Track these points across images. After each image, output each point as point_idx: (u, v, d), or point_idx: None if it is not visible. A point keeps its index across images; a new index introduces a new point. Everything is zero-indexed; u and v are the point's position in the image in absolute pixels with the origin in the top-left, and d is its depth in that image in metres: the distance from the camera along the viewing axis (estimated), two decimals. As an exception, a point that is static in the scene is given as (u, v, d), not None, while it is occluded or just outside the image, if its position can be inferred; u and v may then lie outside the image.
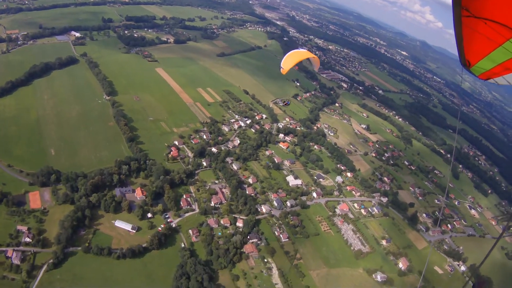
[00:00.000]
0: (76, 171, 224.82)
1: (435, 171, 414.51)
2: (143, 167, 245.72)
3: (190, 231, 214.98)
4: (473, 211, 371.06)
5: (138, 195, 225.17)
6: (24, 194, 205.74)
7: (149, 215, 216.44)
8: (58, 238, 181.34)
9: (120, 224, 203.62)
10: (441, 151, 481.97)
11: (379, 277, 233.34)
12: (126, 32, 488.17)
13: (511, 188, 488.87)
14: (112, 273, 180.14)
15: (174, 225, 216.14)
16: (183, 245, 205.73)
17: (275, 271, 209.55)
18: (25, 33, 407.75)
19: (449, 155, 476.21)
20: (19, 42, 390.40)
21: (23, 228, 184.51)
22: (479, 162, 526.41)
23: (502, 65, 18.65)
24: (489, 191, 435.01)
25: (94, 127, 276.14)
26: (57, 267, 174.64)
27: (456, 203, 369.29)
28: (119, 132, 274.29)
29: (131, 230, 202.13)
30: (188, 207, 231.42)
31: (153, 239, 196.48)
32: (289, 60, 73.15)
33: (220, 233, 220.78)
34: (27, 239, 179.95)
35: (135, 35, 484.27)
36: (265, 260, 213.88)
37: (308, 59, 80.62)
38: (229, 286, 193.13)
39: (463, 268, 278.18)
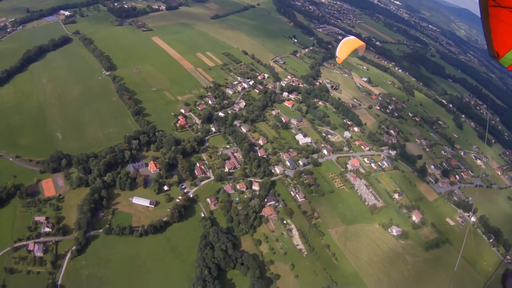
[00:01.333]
0: (86, 152, 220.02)
1: (439, 121, 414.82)
2: (152, 139, 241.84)
3: (208, 200, 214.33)
4: (479, 161, 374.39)
5: (152, 168, 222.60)
6: (36, 183, 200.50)
7: (166, 187, 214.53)
8: (78, 224, 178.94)
9: (138, 200, 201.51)
10: (443, 101, 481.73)
11: (394, 231, 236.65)
12: (116, 4, 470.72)
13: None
14: (137, 251, 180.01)
15: (191, 195, 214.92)
16: (203, 215, 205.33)
17: (295, 232, 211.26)
18: (13, 19, 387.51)
19: (451, 105, 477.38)
20: (8, 30, 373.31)
21: (41, 219, 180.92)
22: (481, 111, 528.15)
23: None
24: (493, 141, 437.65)
25: (98, 105, 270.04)
26: (81, 253, 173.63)
27: (462, 153, 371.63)
28: (124, 107, 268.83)
29: (149, 205, 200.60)
30: (203, 175, 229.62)
31: (173, 212, 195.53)
32: (344, 49, 72.64)
33: (237, 199, 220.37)
34: (47, 229, 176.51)
35: (126, 6, 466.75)
36: (284, 221, 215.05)
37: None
38: (252, 251, 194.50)
39: (473, 219, 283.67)
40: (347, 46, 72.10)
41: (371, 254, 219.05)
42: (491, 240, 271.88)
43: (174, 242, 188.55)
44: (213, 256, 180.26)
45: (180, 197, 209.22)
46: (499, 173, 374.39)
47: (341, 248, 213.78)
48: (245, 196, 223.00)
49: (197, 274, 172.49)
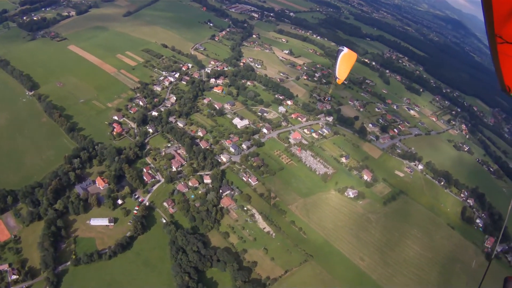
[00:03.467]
0: (30, 183, 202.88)
1: (366, 81, 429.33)
2: (93, 154, 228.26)
3: (165, 204, 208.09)
4: (412, 112, 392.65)
5: (101, 184, 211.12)
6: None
7: (120, 201, 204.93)
8: (44, 262, 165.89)
9: (96, 222, 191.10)
10: (366, 60, 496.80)
11: (350, 193, 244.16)
12: (25, 18, 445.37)
13: (439, 83, 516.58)
14: (112, 275, 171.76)
15: (147, 203, 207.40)
16: (164, 221, 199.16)
17: (258, 216, 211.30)
18: None
19: (374, 63, 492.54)
20: None
21: (4, 267, 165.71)
22: (404, 64, 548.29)
23: None
24: (421, 90, 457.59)
25: (29, 129, 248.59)
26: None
27: (395, 107, 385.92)
28: (56, 126, 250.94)
29: (109, 224, 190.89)
30: (153, 179, 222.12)
31: (134, 225, 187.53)
32: (343, 68, 69.70)
33: (193, 196, 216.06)
34: (14, 277, 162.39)
35: (35, 18, 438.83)
36: (245, 208, 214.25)
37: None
38: (223, 245, 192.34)
39: (420, 167, 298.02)
40: (346, 64, 69.71)
41: (335, 220, 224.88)
42: (442, 183, 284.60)
43: (144, 255, 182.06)
44: (188, 260, 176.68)
45: (136, 208, 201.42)
46: (434, 119, 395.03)
47: (306, 221, 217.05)
48: (200, 192, 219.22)
49: (178, 282, 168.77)
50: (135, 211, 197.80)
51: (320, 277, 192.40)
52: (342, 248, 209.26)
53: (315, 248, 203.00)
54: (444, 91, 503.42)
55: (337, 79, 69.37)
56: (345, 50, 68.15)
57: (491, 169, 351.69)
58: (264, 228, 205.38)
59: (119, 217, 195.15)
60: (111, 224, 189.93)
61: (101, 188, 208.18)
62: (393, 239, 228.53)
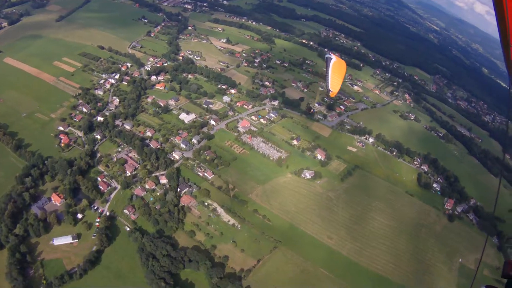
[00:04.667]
0: None
1: (306, 61, 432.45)
2: (44, 170, 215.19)
3: (126, 211, 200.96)
4: (355, 87, 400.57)
5: (57, 201, 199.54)
6: None
7: (79, 215, 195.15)
8: None
9: (59, 241, 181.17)
10: (303, 41, 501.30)
11: (307, 174, 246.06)
12: None
13: (378, 57, 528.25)
14: None
15: (108, 213, 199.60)
16: (128, 229, 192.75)
17: (220, 210, 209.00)
18: None
19: (311, 43, 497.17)
20: None
21: None
22: (341, 41, 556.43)
23: None
24: (361, 65, 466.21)
25: None
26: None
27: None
28: (1, 145, 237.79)
29: (73, 241, 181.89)
30: (109, 187, 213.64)
31: (99, 238, 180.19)
32: (336, 79, 65.59)
33: (152, 199, 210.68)
34: None
35: None
36: (206, 203, 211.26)
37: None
38: (191, 244, 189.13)
39: (371, 139, 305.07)
40: (338, 74, 65.66)
41: (297, 203, 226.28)
42: (394, 154, 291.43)
43: (115, 268, 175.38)
44: (160, 265, 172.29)
45: (98, 220, 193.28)
46: (377, 92, 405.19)
47: (268, 208, 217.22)
48: (158, 193, 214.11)
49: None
50: (97, 223, 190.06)
51: (292, 261, 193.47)
52: (308, 229, 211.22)
53: (282, 233, 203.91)
54: (383, 63, 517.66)
55: (330, 92, 65.67)
56: (334, 58, 65.35)
57: (439, 134, 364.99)
58: (228, 221, 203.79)
59: (81, 232, 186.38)
60: (75, 240, 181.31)
61: (58, 205, 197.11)
62: (356, 214, 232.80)
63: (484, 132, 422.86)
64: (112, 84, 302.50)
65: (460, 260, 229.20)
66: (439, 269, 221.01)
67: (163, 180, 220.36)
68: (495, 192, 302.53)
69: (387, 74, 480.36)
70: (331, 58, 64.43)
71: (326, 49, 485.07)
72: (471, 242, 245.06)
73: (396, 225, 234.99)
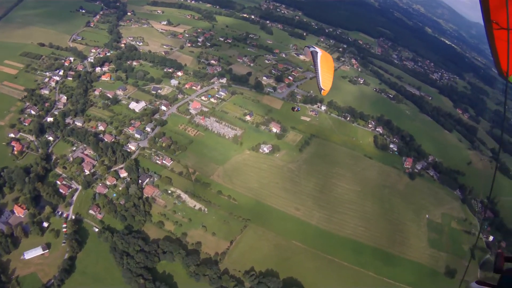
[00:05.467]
0: None
1: (250, 35, 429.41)
2: (1, 182, 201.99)
3: (91, 211, 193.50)
4: (301, 57, 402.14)
5: (20, 212, 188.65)
6: None
7: (45, 224, 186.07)
8: None
9: (30, 254, 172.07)
10: (245, 15, 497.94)
11: (265, 148, 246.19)
12: None
13: (321, 24, 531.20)
14: None
15: (73, 217, 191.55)
16: (96, 229, 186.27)
17: (184, 196, 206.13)
18: None
19: (253, 16, 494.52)
20: None
21: None
22: (283, 12, 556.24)
23: None
24: (305, 34, 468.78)
25: None
26: None
27: (284, 55, 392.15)
28: None
29: (44, 252, 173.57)
30: (70, 189, 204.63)
31: (70, 244, 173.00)
32: (327, 77, 58.26)
33: (114, 195, 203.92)
34: None
35: None
36: (169, 191, 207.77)
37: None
38: (162, 235, 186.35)
39: (323, 107, 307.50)
40: (327, 69, 58.96)
41: (259, 179, 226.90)
42: (348, 119, 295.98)
43: (91, 272, 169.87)
44: (136, 262, 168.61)
45: (64, 225, 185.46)
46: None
47: (231, 188, 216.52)
48: (120, 188, 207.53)
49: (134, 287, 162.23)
50: (65, 229, 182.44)
51: (264, 237, 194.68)
52: (275, 203, 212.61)
53: (250, 211, 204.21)
54: (326, 31, 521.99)
55: (322, 91, 57.71)
56: (319, 51, 58.76)
57: (389, 95, 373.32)
58: (194, 206, 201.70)
59: (50, 241, 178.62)
60: (46, 251, 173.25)
61: (22, 216, 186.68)
62: (319, 182, 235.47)
63: (433, 89, 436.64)
64: (57, 82, 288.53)
65: (427, 216, 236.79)
66: (408, 226, 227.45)
67: (123, 174, 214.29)
68: (451, 146, 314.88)
69: (331, 41, 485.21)
70: (317, 52, 58.56)
71: (268, 21, 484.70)
72: (434, 197, 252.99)
73: (360, 189, 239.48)
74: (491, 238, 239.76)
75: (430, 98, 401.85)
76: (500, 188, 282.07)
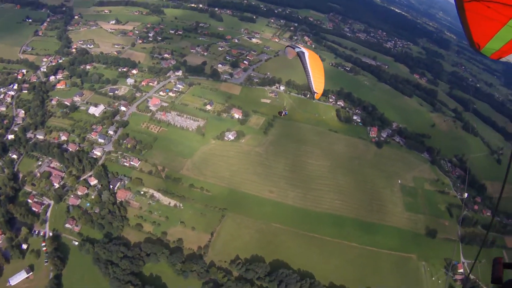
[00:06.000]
0: None
1: (200, 24, 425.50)
2: None
3: (68, 225, 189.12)
4: (254, 40, 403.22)
5: None
6: None
7: (24, 246, 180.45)
8: None
9: (15, 280, 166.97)
10: (192, 5, 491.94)
11: (230, 136, 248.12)
12: None
13: (270, 6, 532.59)
14: None
15: (50, 234, 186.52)
16: (76, 243, 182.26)
17: (158, 195, 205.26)
18: None
19: (200, 5, 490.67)
20: None
21: None
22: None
23: (510, 43, 18.60)
24: (255, 17, 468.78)
25: None
26: None
27: (236, 41, 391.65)
28: None
29: (28, 275, 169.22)
30: (42, 206, 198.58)
31: (53, 262, 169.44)
32: (319, 78, 54.51)
33: (88, 204, 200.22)
34: None
35: None
36: (142, 192, 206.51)
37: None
38: (142, 238, 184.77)
39: (282, 87, 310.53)
40: (318, 70, 54.72)
41: (229, 166, 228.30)
42: (307, 96, 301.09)
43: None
44: (122, 269, 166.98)
45: (43, 244, 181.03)
46: (276, 40, 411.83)
47: (203, 179, 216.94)
48: (93, 197, 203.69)
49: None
50: (44, 248, 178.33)
51: (244, 224, 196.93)
52: (248, 189, 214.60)
53: (225, 200, 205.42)
54: (276, 11, 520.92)
55: (315, 94, 55.00)
56: (306, 51, 54.88)
57: (346, 68, 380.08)
58: (169, 203, 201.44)
59: (33, 262, 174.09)
60: (30, 274, 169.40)
61: (0, 242, 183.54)
62: (289, 162, 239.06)
63: (389, 58, 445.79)
64: (12, 97, 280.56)
65: (399, 181, 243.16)
66: (383, 194, 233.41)
67: (93, 182, 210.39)
68: (413, 111, 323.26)
69: (281, 21, 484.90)
70: (304, 52, 54.71)
71: (216, 8, 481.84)
72: (403, 162, 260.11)
73: (330, 163, 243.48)
74: (465, 195, 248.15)
75: (387, 66, 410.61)
76: (467, 146, 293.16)
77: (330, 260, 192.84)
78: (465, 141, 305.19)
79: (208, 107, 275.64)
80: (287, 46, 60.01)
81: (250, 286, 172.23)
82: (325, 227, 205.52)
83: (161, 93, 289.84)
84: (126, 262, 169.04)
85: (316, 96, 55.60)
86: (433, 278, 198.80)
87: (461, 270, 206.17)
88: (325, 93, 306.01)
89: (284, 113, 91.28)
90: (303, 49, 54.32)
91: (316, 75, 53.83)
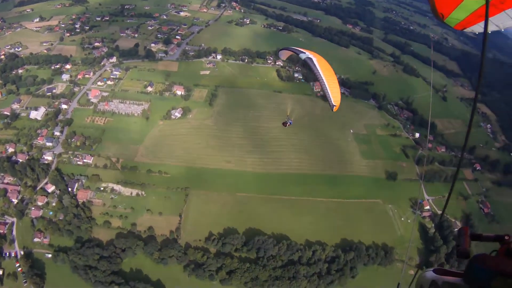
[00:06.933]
0: None
1: (125, 6, 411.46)
2: None
3: (36, 239, 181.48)
4: (182, 13, 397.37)
5: None
6: None
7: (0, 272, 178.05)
8: None
9: None
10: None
11: (176, 113, 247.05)
12: None
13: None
14: None
15: (21, 253, 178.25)
16: (49, 255, 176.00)
17: (117, 187, 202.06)
18: None
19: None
20: None
21: None
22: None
23: (475, 13, 18.53)
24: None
25: None
26: None
27: (165, 17, 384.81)
28: None
29: None
30: (6, 225, 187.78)
31: (31, 281, 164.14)
32: (335, 87, 47.99)
33: (51, 212, 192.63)
34: None
35: None
36: (101, 188, 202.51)
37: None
38: (113, 234, 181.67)
39: (219, 56, 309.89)
40: (332, 79, 48.34)
41: (181, 144, 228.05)
42: (246, 61, 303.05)
43: None
44: (102, 271, 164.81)
45: (17, 265, 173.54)
46: (205, 10, 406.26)
47: (159, 162, 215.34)
48: (54, 204, 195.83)
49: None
50: (20, 269, 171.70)
51: (209, 199, 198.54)
52: (205, 163, 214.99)
53: (185, 179, 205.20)
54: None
55: (333, 107, 48.02)
56: (312, 56, 48.02)
57: (279, 28, 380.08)
58: (131, 194, 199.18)
59: (11, 287, 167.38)
60: None
61: None
62: (239, 130, 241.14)
63: (319, 12, 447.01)
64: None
65: (351, 131, 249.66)
66: (338, 145, 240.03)
67: (51, 188, 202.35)
68: (352, 61, 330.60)
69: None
70: (311, 58, 47.93)
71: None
72: (352, 111, 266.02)
73: (280, 124, 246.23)
74: (417, 135, 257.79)
75: (319, 20, 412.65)
76: (410, 88, 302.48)
77: (301, 219, 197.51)
78: (408, 83, 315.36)
79: (149, 89, 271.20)
80: (279, 50, 54.94)
81: (230, 259, 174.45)
82: (289, 187, 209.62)
83: (99, 83, 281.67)
84: (104, 263, 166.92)
85: (335, 109, 48.34)
86: (402, 219, 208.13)
87: (428, 207, 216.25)
88: (262, 56, 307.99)
89: (289, 123, 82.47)
90: (308, 54, 48.31)
91: (332, 84, 48.00)
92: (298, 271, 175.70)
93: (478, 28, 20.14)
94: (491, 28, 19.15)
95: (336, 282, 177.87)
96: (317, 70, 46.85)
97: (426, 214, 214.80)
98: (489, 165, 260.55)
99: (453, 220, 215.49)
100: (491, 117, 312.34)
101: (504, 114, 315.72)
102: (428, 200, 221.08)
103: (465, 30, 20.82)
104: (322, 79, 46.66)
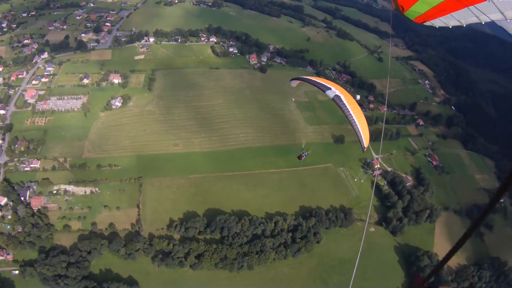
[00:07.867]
0: None
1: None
2: None
3: (2, 258, 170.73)
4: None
5: None
6: None
7: None
8: None
9: None
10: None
11: (117, 103, 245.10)
12: None
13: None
14: None
15: None
16: (16, 272, 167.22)
17: (70, 188, 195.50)
18: None
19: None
20: None
21: None
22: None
23: (437, 7, 18.67)
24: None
25: None
26: None
27: (92, 5, 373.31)
28: None
29: None
30: None
31: None
32: (365, 128, 44.35)
33: (8, 226, 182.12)
34: None
35: None
36: (54, 192, 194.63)
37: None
38: (76, 238, 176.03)
39: (152, 39, 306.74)
40: (361, 118, 45.20)
41: (126, 133, 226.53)
42: (179, 41, 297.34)
43: None
44: (72, 278, 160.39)
45: None
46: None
47: (107, 156, 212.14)
48: (10, 217, 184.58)
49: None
50: None
51: (163, 185, 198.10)
52: (153, 150, 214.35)
53: (136, 169, 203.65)
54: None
55: (364, 149, 46.17)
56: (339, 93, 45.28)
57: (208, 4, 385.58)
58: (85, 192, 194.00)
59: None
60: None
61: None
62: (182, 111, 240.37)
63: None
64: None
65: (293, 99, 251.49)
66: (282, 115, 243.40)
67: (3, 201, 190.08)
68: (285, 30, 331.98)
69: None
70: (339, 96, 45.06)
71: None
72: (289, 78, 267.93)
73: (222, 100, 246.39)
74: (358, 97, 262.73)
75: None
76: (346, 51, 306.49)
77: (257, 192, 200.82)
78: (343, 47, 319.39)
79: (85, 81, 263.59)
80: (292, 79, 54.66)
81: (196, 243, 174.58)
82: (240, 162, 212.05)
83: (33, 82, 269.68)
84: (72, 269, 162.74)
85: (365, 150, 46.56)
86: (355, 179, 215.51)
87: (377, 166, 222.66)
88: (195, 34, 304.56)
89: (304, 156, 79.04)
90: (335, 90, 45.32)
91: (362, 124, 45.13)
92: (265, 244, 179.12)
93: (438, 22, 21.14)
94: (453, 23, 20.45)
95: (303, 250, 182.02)
96: (347, 109, 44.84)
97: (377, 172, 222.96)
98: (432, 119, 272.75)
99: (404, 175, 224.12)
100: (428, 73, 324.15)
101: (441, 69, 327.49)
102: (377, 158, 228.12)
103: (425, 23, 21.27)
104: (354, 120, 44.71)
